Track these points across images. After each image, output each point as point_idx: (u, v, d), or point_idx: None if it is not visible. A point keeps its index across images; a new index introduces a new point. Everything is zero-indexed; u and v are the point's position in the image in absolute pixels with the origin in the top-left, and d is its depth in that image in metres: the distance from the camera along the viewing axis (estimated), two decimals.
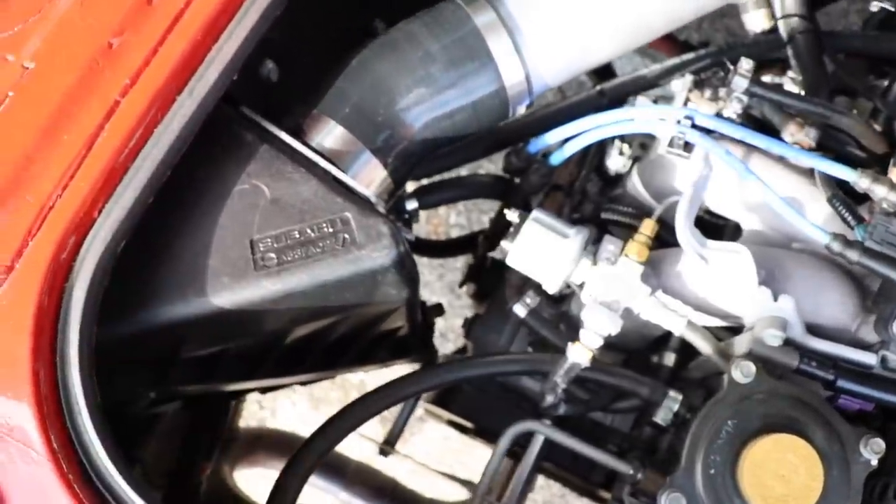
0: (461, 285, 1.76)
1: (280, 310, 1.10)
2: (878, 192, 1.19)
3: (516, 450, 1.62)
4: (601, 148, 1.54)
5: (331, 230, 1.08)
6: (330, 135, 1.20)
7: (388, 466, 2.94)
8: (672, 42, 2.67)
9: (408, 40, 1.22)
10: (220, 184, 1.11)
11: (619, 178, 1.55)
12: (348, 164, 1.19)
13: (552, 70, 1.26)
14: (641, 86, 1.57)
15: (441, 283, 3.15)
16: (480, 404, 1.64)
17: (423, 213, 3.10)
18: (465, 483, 2.08)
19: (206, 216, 1.10)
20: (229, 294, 1.07)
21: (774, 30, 1.59)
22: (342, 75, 1.21)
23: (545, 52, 1.24)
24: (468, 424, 1.72)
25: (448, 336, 3.13)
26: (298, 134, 1.18)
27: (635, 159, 1.51)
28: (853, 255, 1.17)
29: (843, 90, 1.63)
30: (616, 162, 1.51)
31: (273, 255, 1.08)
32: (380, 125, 1.20)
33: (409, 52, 1.20)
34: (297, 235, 1.09)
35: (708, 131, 1.33)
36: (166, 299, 1.07)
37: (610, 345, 1.46)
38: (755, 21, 1.64)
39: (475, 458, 3.12)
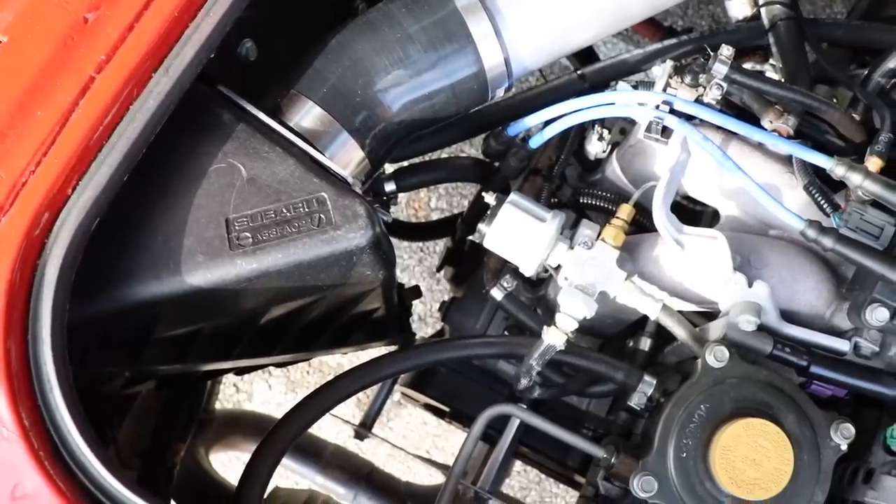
0: (439, 269, 1.77)
1: (255, 289, 1.10)
2: (854, 179, 1.20)
3: (492, 434, 1.63)
4: (581, 133, 1.54)
5: (307, 210, 1.08)
6: (308, 115, 1.19)
7: (367, 451, 2.95)
8: (656, 27, 2.68)
9: (387, 21, 1.21)
10: (196, 162, 1.10)
11: (599, 163, 1.55)
12: (325, 145, 1.19)
13: (532, 53, 1.27)
14: (623, 71, 1.57)
15: (421, 266, 3.15)
16: (457, 388, 1.65)
17: (403, 197, 3.11)
18: (442, 466, 2.09)
19: (182, 194, 1.09)
20: (204, 273, 1.07)
21: (757, 17, 1.59)
22: (320, 55, 1.21)
23: (525, 34, 1.24)
24: (444, 408, 1.72)
25: (427, 321, 3.13)
26: (276, 113, 1.19)
27: (615, 145, 1.51)
28: (828, 241, 1.18)
29: (824, 79, 1.64)
30: (595, 147, 1.52)
31: (248, 234, 1.08)
32: (357, 106, 1.20)
33: (388, 33, 1.20)
34: (273, 215, 1.08)
35: (687, 117, 1.34)
36: (140, 277, 1.06)
37: (587, 330, 1.48)
38: (737, 8, 1.65)
39: (452, 442, 3.14)
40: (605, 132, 1.52)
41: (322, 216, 1.08)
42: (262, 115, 1.15)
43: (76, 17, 1.04)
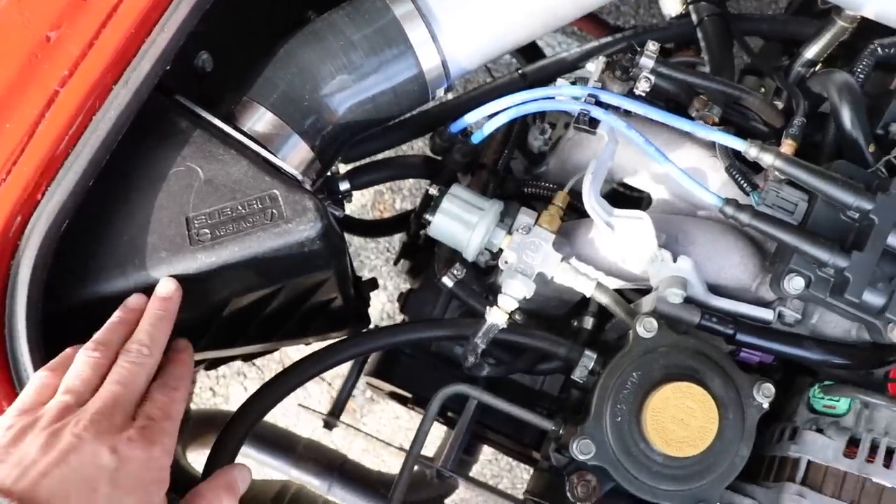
0: (396, 262, 1.84)
1: (216, 282, 1.18)
2: (766, 160, 1.29)
3: (455, 418, 1.71)
4: (524, 128, 1.63)
5: (260, 206, 1.16)
6: (260, 120, 1.27)
7: (343, 446, 3.03)
8: (603, 26, 2.79)
9: (331, 30, 1.29)
10: (157, 166, 1.18)
11: (544, 156, 1.64)
12: (277, 147, 1.26)
13: (467, 55, 1.34)
14: (562, 68, 1.66)
15: (388, 266, 3.24)
16: (417, 374, 1.71)
17: (369, 199, 3.19)
18: (423, 459, 2.15)
19: (145, 196, 1.17)
20: (167, 267, 1.14)
21: (688, 14, 1.70)
22: (271, 64, 1.29)
23: (460, 39, 1.32)
24: (407, 394, 1.80)
25: (396, 318, 3.21)
26: (230, 119, 1.26)
27: (559, 139, 1.60)
28: (744, 217, 1.27)
29: (755, 70, 1.74)
30: (537, 140, 1.61)
31: (207, 230, 1.16)
32: (306, 110, 1.28)
33: (332, 42, 1.28)
34: (230, 212, 1.16)
35: (624, 111, 1.43)
36: (108, 274, 1.14)
37: (536, 312, 1.57)
38: (670, 6, 1.75)
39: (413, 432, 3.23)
40: (547, 126, 1.62)
41: (274, 211, 1.16)
42: (216, 121, 1.23)
43: (39, 36, 1.11)
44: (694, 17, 1.68)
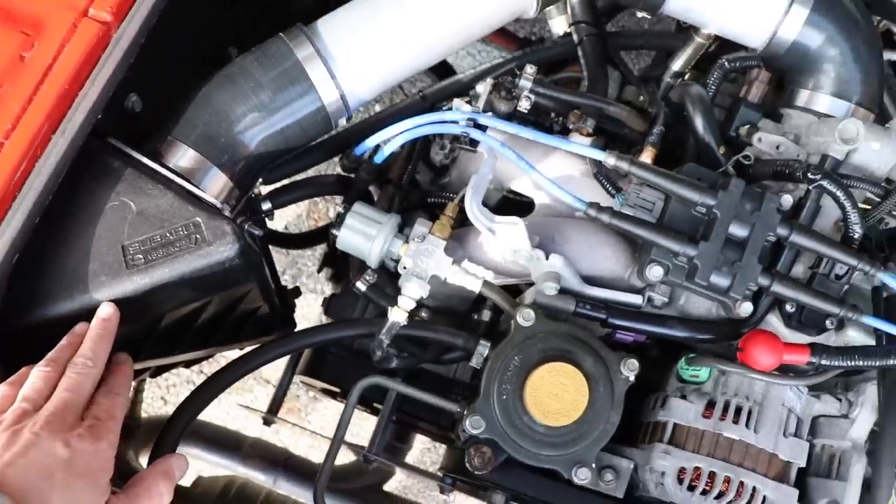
0: (319, 271, 2.03)
1: (151, 299, 1.36)
2: (623, 167, 1.49)
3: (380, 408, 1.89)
4: (427, 144, 1.82)
5: (185, 233, 1.35)
6: (183, 156, 1.45)
7: (290, 444, 3.20)
8: (513, 39, 2.98)
9: (242, 73, 1.48)
10: (95, 202, 1.36)
11: (447, 169, 1.83)
12: (199, 179, 1.45)
13: (363, 88, 1.54)
14: (458, 89, 1.84)
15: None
16: (343, 370, 1.86)
17: (304, 209, 3.37)
18: (354, 446, 2.33)
19: (85, 229, 1.35)
20: (108, 290, 1.33)
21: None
22: (191, 106, 1.47)
23: (356, 75, 1.52)
24: (336, 389, 1.98)
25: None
26: (157, 157, 1.44)
27: (459, 152, 1.79)
28: (605, 217, 1.47)
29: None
30: (438, 156, 1.80)
31: (141, 255, 1.34)
32: (223, 146, 1.47)
33: (244, 84, 1.47)
34: (159, 239, 1.35)
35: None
36: (57, 299, 1.32)
37: (443, 309, 1.76)
38: (558, 26, 1.95)
39: (366, 428, 3.40)
40: (447, 143, 1.80)
41: (198, 236, 1.35)
42: (145, 160, 1.41)
43: None
44: (575, 37, 1.88)
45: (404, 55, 1.55)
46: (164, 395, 3.40)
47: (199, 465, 2.48)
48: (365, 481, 2.48)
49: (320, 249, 3.41)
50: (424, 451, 3.31)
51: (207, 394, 1.52)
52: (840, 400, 1.65)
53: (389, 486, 2.75)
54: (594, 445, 1.43)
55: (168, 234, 1.35)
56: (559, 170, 1.61)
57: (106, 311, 1.32)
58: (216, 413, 3.39)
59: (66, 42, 1.31)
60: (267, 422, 2.10)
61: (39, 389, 1.21)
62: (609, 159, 1.50)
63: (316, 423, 3.32)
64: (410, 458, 2.73)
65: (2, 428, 1.15)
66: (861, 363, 1.50)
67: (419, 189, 1.81)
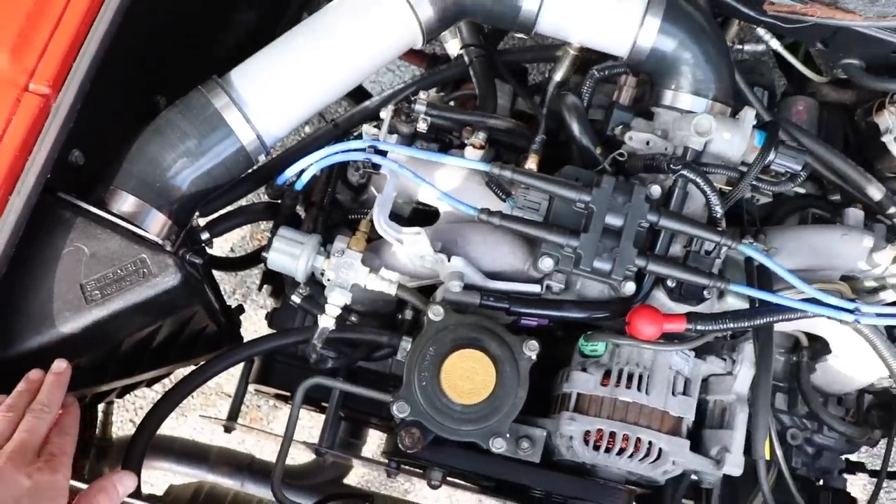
0: (259, 288, 2.22)
1: (109, 327, 1.58)
2: (506, 175, 1.72)
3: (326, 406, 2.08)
4: (343, 168, 2.02)
5: (134, 268, 1.57)
6: (125, 202, 1.66)
7: (255, 450, 3.40)
8: (422, 57, 3.17)
9: (169, 125, 1.69)
10: (52, 250, 1.57)
11: (365, 187, 2.04)
12: (141, 220, 1.66)
13: (277, 128, 1.75)
14: (366, 115, 2.06)
15: None
16: (291, 376, 1.97)
17: (248, 232, 3.54)
18: (309, 444, 2.51)
19: (46, 274, 1.56)
20: (72, 323, 1.55)
21: None
22: (128, 158, 1.68)
23: (268, 117, 1.72)
24: (286, 393, 2.17)
25: None
26: (103, 205, 1.65)
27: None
28: (495, 220, 1.69)
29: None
30: (354, 176, 2.01)
31: (98, 291, 1.55)
32: (159, 190, 1.67)
33: (171, 134, 1.68)
34: (112, 275, 1.56)
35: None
36: (28, 335, 1.54)
37: (372, 312, 1.97)
38: (453, 48, 2.17)
39: None
40: (360, 164, 1.99)
41: (145, 270, 1.57)
42: (92, 209, 1.61)
43: None
44: (466, 59, 2.11)
45: (309, 95, 1.75)
46: (132, 417, 3.59)
47: (170, 477, 2.68)
48: (324, 477, 2.69)
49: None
50: (381, 445, 3.51)
51: (164, 409, 1.73)
52: (725, 359, 1.89)
53: (350, 481, 2.96)
54: (506, 418, 1.65)
55: (119, 271, 1.56)
56: (458, 181, 1.83)
57: (59, 367, 1.51)
58: (184, 430, 3.60)
59: (12, 115, 1.50)
60: (227, 429, 2.28)
61: (2, 431, 1.40)
62: (493, 170, 1.72)
63: (278, 429, 3.50)
64: (367, 452, 2.92)
65: None
66: (732, 325, 1.74)
67: (341, 208, 2.02)
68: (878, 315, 1.76)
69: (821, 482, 2.21)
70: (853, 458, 2.38)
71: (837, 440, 2.16)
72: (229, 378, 3.23)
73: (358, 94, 2.58)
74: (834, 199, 2.17)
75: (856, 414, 2.19)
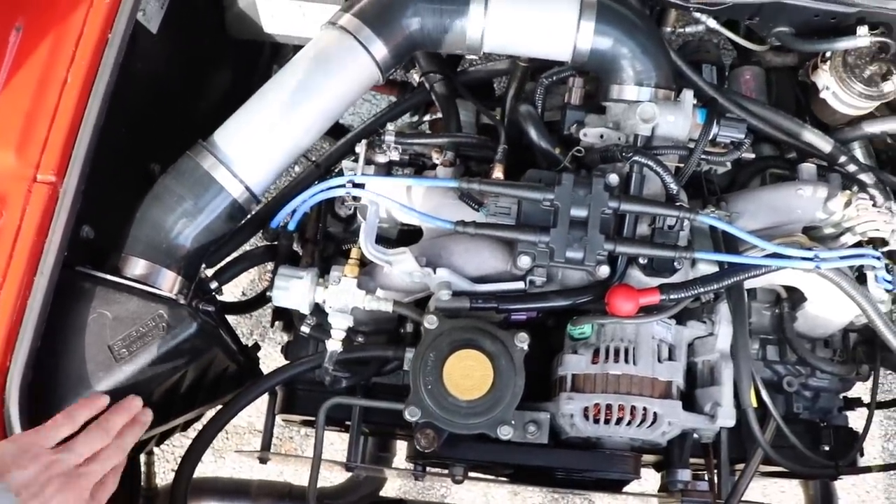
0: (272, 325, 2.38)
1: (140, 380, 1.74)
2: (474, 187, 1.88)
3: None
4: (331, 203, 2.17)
5: (154, 324, 1.73)
6: (137, 266, 1.82)
7: (294, 479, 3.54)
8: (393, 86, 3.31)
9: (165, 191, 1.85)
10: (79, 318, 1.73)
11: (354, 218, 2.19)
12: (154, 280, 1.82)
13: (262, 177, 1.90)
14: (343, 152, 2.20)
15: None
16: (313, 401, 2.08)
17: (255, 275, 3.70)
18: (339, 463, 2.63)
19: (77, 340, 1.72)
20: (106, 381, 1.71)
21: None
22: (133, 226, 1.84)
23: (253, 169, 1.87)
24: (312, 418, 2.31)
25: None
26: (117, 272, 1.80)
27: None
28: (471, 230, 1.84)
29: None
30: (341, 210, 2.17)
31: (125, 349, 1.72)
32: (166, 250, 1.83)
33: (168, 199, 1.83)
34: (135, 333, 1.73)
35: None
36: (69, 396, 1.69)
37: (375, 330, 2.12)
38: (415, 77, 2.33)
39: None
40: (346, 196, 2.12)
41: (164, 324, 1.73)
42: (108, 277, 1.77)
43: None
44: (427, 86, 2.26)
45: (287, 144, 1.90)
46: (172, 467, 3.75)
47: None
48: (360, 493, 2.83)
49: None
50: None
51: (199, 447, 1.91)
52: (705, 322, 2.05)
53: (388, 493, 3.10)
54: (509, 406, 1.79)
55: (141, 328, 1.73)
56: (435, 198, 1.97)
57: (136, 406, 1.71)
58: (224, 471, 3.75)
59: (26, 205, 1.67)
60: (262, 460, 2.41)
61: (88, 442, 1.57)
62: (462, 185, 1.88)
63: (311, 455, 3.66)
64: (398, 464, 3.06)
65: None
66: (702, 289, 1.90)
67: (334, 240, 2.18)
68: (840, 258, 1.91)
69: (824, 423, 2.31)
70: (853, 394, 2.49)
71: (831, 381, 2.27)
72: (259, 416, 3.40)
73: (336, 130, 2.72)
74: (790, 158, 2.31)
75: (843, 353, 2.30)
